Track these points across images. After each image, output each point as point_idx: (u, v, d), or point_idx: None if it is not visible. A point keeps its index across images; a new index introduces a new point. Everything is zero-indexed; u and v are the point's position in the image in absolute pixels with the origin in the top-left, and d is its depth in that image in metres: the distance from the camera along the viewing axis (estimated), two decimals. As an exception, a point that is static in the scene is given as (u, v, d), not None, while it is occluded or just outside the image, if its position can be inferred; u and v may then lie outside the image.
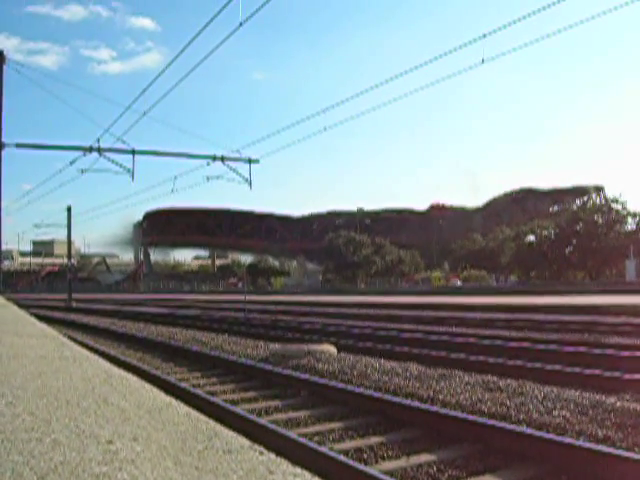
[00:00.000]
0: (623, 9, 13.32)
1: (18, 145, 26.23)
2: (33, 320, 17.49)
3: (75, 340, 13.27)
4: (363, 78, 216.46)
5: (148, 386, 4.81)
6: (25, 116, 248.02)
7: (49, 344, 8.76)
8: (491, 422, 5.75)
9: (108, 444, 2.99)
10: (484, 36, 14.32)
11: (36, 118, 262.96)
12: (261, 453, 2.78)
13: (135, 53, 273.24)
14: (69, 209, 44.24)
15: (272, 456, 2.74)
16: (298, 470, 2.51)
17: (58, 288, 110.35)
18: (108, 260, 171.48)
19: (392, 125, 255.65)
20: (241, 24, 13.83)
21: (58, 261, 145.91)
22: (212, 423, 3.48)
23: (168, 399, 4.21)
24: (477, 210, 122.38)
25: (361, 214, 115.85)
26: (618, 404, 6.48)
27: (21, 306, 30.30)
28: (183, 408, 3.89)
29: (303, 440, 5.45)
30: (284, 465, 2.57)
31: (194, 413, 3.74)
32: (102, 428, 3.31)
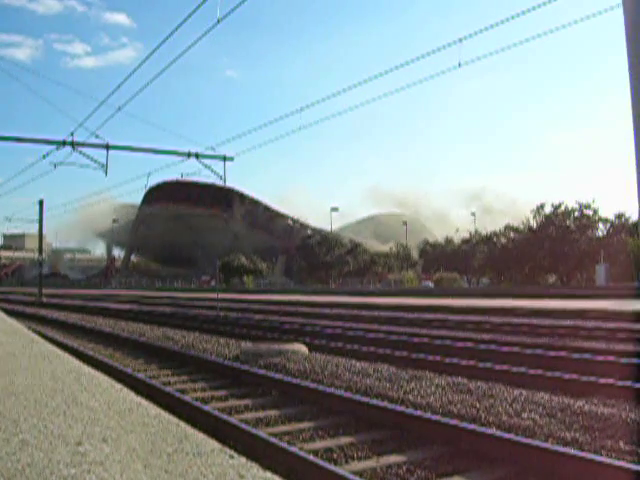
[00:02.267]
0: (598, 18, 13.47)
1: (-11, 137, 25.82)
2: (2, 315, 17.27)
3: (45, 336, 13.12)
4: (337, 78, 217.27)
5: (118, 385, 4.77)
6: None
7: (18, 341, 8.66)
8: (461, 424, 5.79)
9: (77, 445, 2.95)
10: (460, 40, 14.41)
11: (8, 110, 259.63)
12: (231, 457, 2.76)
13: (109, 48, 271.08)
14: (41, 203, 43.79)
15: (242, 460, 2.72)
16: (268, 474, 2.50)
17: (28, 282, 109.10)
18: (79, 255, 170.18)
19: (366, 126, 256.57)
20: (219, 21, 13.73)
21: (29, 255, 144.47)
22: (182, 425, 3.46)
23: (138, 399, 4.18)
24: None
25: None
26: (586, 407, 6.57)
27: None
28: (153, 409, 3.86)
29: (273, 440, 5.45)
30: (254, 469, 2.56)
31: (164, 414, 3.72)
32: (71, 428, 3.28)
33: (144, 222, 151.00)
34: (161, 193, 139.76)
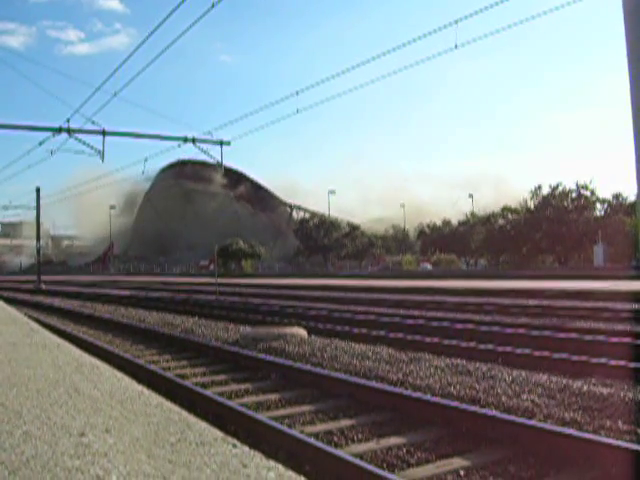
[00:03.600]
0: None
1: (-16, 125, 25.73)
2: (1, 303, 17.28)
3: (45, 324, 13.14)
4: (333, 62, 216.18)
5: (119, 374, 4.79)
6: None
7: (19, 330, 8.67)
8: (460, 405, 5.82)
9: (80, 436, 2.96)
10: (456, 22, 14.33)
11: (4, 97, 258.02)
12: (234, 446, 2.77)
13: (103, 35, 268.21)
14: (38, 190, 43.64)
15: (246, 449, 2.73)
16: (272, 463, 2.52)
17: (28, 270, 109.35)
18: (77, 242, 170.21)
19: (364, 109, 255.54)
20: (213, 5, 13.66)
21: (27, 243, 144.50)
22: (184, 414, 3.47)
23: (140, 388, 4.19)
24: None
25: None
26: (585, 388, 6.61)
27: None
28: (155, 398, 3.87)
29: (273, 423, 5.48)
30: (257, 458, 2.58)
31: (166, 403, 3.72)
32: (74, 419, 3.29)
33: (151, 200, 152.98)
34: (172, 171, 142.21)
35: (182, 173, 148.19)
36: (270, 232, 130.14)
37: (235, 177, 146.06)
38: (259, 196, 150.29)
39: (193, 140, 26.84)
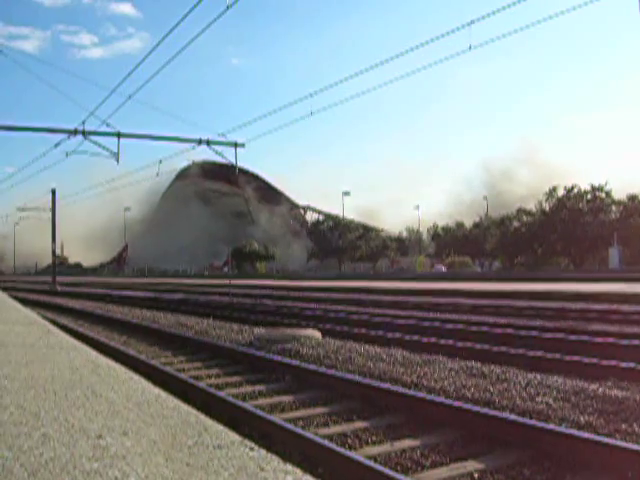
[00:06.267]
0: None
1: (1, 127, 25.91)
2: (17, 305, 17.40)
3: (61, 326, 13.22)
4: (346, 64, 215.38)
5: (136, 377, 4.81)
6: (8, 98, 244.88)
7: (35, 331, 8.74)
8: (475, 408, 5.81)
9: (98, 439, 2.98)
10: (471, 22, 14.29)
11: (19, 100, 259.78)
12: (252, 449, 2.79)
13: (116, 39, 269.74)
14: (53, 192, 43.85)
15: (263, 452, 2.75)
16: (289, 467, 2.53)
17: (43, 271, 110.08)
18: (92, 243, 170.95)
19: (378, 112, 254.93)
20: (228, 7, 13.70)
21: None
22: (202, 417, 3.48)
23: (156, 391, 4.21)
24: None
25: None
26: (600, 391, 6.57)
27: (4, 289, 30.13)
28: (172, 401, 3.89)
29: (288, 425, 5.49)
30: (275, 462, 2.59)
31: (183, 406, 3.74)
32: (91, 422, 3.31)
33: (166, 202, 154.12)
34: (187, 173, 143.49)
35: (197, 175, 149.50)
36: (284, 234, 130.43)
37: (249, 178, 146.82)
38: (273, 197, 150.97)
39: (208, 142, 26.89)
